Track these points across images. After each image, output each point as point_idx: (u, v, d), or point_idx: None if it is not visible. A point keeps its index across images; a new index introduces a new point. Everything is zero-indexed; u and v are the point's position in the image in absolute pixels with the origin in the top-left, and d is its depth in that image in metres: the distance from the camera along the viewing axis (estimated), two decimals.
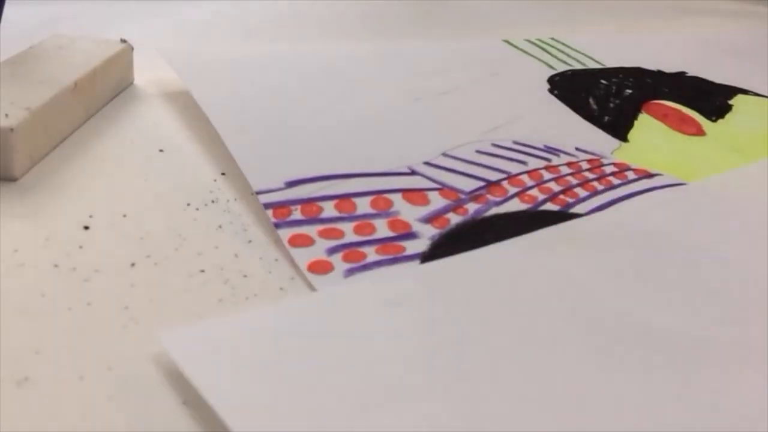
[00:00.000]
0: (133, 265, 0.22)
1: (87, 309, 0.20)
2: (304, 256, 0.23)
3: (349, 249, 0.23)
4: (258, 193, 0.25)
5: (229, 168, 0.28)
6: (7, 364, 0.18)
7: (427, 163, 0.29)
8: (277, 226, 0.24)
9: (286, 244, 0.23)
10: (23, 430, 0.16)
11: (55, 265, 0.22)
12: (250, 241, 0.24)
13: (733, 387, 0.19)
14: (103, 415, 0.17)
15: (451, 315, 0.20)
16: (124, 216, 0.25)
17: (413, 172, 0.28)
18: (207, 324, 0.19)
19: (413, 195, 0.27)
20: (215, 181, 0.27)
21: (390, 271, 0.23)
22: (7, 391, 0.17)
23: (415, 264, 0.23)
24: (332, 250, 0.23)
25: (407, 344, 0.19)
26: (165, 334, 0.18)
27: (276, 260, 0.23)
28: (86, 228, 0.24)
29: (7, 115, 0.25)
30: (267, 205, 0.25)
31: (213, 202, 0.26)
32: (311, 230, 0.24)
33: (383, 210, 0.26)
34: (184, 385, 0.18)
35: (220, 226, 0.25)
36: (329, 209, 0.25)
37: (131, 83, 0.35)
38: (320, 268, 0.23)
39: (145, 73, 0.35)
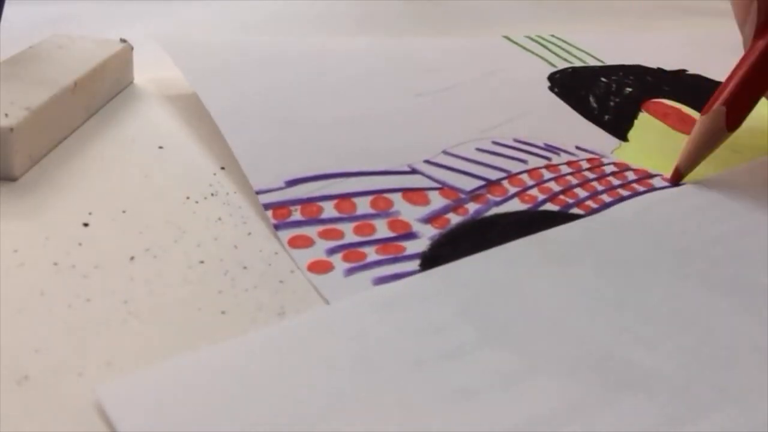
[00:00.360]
0: (132, 258, 0.22)
1: (86, 305, 0.20)
2: (303, 257, 0.23)
3: (349, 249, 0.23)
4: (258, 192, 0.25)
5: (229, 162, 0.28)
6: (6, 363, 0.18)
7: (427, 162, 0.29)
8: (276, 227, 0.24)
9: (286, 246, 0.23)
10: (23, 428, 0.16)
11: (55, 263, 0.22)
12: (249, 234, 0.24)
13: None
14: (104, 413, 0.17)
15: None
16: (124, 212, 0.25)
17: (414, 171, 0.28)
18: (144, 374, 0.18)
19: (413, 195, 0.27)
20: (214, 174, 0.28)
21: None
22: (7, 389, 0.17)
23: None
24: (332, 251, 0.23)
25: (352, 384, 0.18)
26: (101, 388, 0.17)
27: (276, 253, 0.23)
28: (85, 225, 0.24)
29: (6, 115, 0.25)
30: (267, 206, 0.25)
31: (213, 195, 0.26)
32: (311, 231, 0.24)
33: (383, 210, 0.26)
34: None
35: (219, 219, 0.25)
36: (329, 209, 0.25)
37: (131, 82, 0.35)
38: (320, 267, 0.23)
39: (144, 73, 0.35)
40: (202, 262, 0.22)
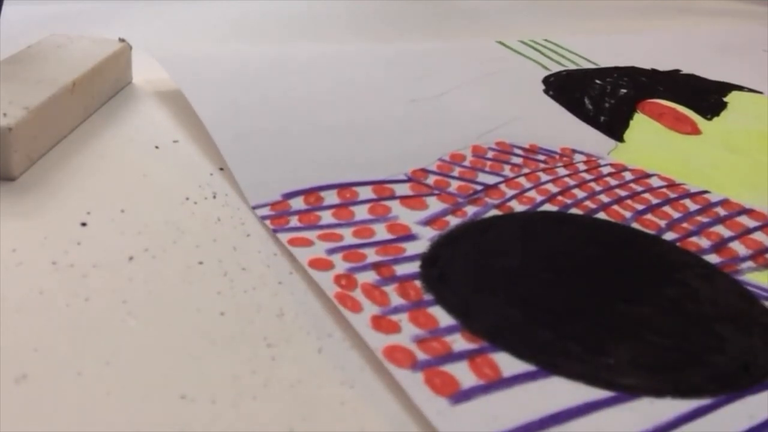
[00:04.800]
0: (131, 258, 0.22)
1: (85, 304, 0.20)
2: (304, 254, 0.23)
3: (348, 250, 0.23)
4: (255, 207, 0.25)
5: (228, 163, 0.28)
6: (5, 362, 0.18)
7: (423, 170, 0.29)
8: (275, 231, 0.24)
9: (286, 244, 0.23)
10: (22, 427, 0.16)
11: (54, 263, 0.22)
12: (248, 235, 0.24)
13: None
14: (102, 411, 0.17)
15: None
16: (122, 211, 0.25)
17: (410, 179, 0.28)
18: None
19: (411, 201, 0.27)
20: (212, 175, 0.28)
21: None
22: (6, 389, 0.17)
23: None
24: (332, 251, 0.23)
25: None
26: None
27: (275, 254, 0.23)
28: (84, 224, 0.24)
29: (5, 115, 0.25)
30: (264, 217, 0.25)
31: (213, 197, 0.26)
32: (310, 234, 0.24)
33: (381, 215, 0.26)
34: (182, 378, 0.18)
35: (218, 219, 0.25)
36: (327, 218, 0.25)
37: (129, 82, 0.35)
38: (321, 264, 0.23)
39: (143, 72, 0.35)
40: (201, 263, 0.22)
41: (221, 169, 0.28)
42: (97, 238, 0.23)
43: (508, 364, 0.19)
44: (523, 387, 0.19)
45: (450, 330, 0.20)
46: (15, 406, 0.17)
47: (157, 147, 0.29)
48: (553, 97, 0.38)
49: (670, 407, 0.19)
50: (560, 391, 0.19)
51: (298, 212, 0.25)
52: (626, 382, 0.19)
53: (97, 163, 0.28)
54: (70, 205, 0.25)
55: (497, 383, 0.19)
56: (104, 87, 0.32)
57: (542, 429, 0.17)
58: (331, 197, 0.26)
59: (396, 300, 0.21)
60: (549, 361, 0.20)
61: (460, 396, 0.18)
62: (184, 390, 0.18)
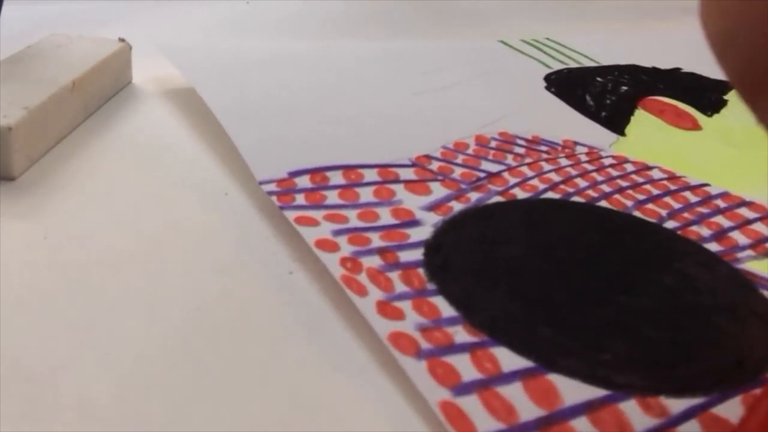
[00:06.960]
0: (131, 258, 0.22)
1: (86, 305, 0.20)
2: (310, 234, 0.23)
3: (354, 233, 0.23)
4: (261, 183, 0.26)
5: (230, 162, 0.28)
6: (6, 363, 0.18)
7: (427, 156, 0.29)
8: (282, 208, 0.24)
9: (292, 222, 0.23)
10: (23, 428, 0.16)
11: (54, 263, 0.22)
12: (249, 234, 0.24)
13: None
14: (102, 411, 0.17)
15: None
16: (122, 211, 0.25)
17: (414, 164, 0.28)
18: None
19: (415, 185, 0.27)
20: (215, 175, 0.28)
21: None
22: (6, 388, 0.17)
23: None
24: (338, 233, 0.23)
25: None
26: None
27: (274, 254, 0.23)
28: (84, 224, 0.24)
29: (5, 115, 0.25)
30: (270, 193, 0.25)
31: (214, 196, 0.26)
32: (316, 214, 0.24)
33: (386, 199, 0.26)
34: (182, 379, 0.18)
35: (219, 218, 0.25)
36: (333, 197, 0.25)
37: (129, 82, 0.35)
38: (327, 246, 0.23)
39: (143, 72, 0.35)
40: (201, 262, 0.22)
41: (223, 168, 0.28)
42: (97, 238, 0.23)
43: (507, 359, 0.19)
44: (522, 383, 0.19)
45: (452, 321, 0.20)
46: (15, 406, 0.17)
47: (157, 147, 0.29)
48: (554, 93, 0.38)
49: (666, 405, 0.19)
50: (558, 388, 0.19)
51: (303, 190, 0.25)
52: (622, 380, 0.19)
53: (97, 162, 0.28)
54: (70, 205, 0.25)
55: (497, 378, 0.19)
56: (104, 87, 0.32)
57: (539, 427, 0.17)
58: (336, 177, 0.26)
59: (400, 287, 0.21)
60: (547, 357, 0.19)
61: (461, 389, 0.18)
62: (183, 390, 0.18)
